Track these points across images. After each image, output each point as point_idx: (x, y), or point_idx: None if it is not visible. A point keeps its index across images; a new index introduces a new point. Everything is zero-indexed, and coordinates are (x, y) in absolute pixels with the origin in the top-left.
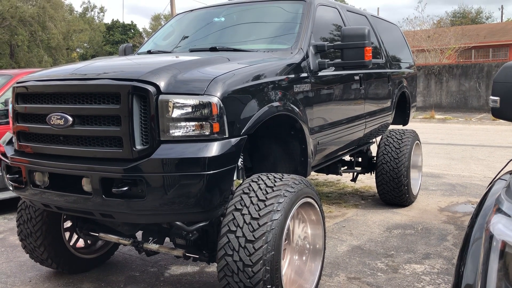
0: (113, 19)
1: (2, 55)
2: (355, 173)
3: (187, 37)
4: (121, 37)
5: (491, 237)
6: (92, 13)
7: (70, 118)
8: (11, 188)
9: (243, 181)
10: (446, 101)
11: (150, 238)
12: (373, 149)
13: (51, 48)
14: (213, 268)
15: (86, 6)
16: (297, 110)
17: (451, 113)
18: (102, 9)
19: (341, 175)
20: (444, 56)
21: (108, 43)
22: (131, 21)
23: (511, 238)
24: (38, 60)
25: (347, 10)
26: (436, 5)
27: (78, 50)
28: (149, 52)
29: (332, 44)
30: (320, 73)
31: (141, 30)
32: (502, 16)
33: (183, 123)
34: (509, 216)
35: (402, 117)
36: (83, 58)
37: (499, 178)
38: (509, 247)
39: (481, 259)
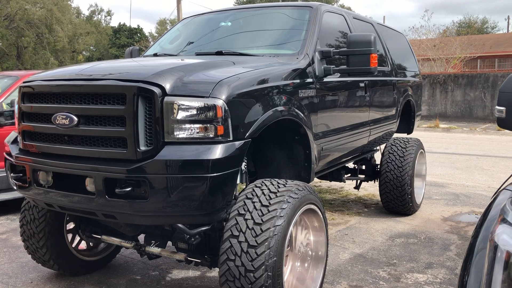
0: (120, 23)
1: (9, 56)
2: (359, 181)
3: (193, 41)
4: (127, 41)
5: (495, 247)
6: (99, 16)
7: (75, 118)
8: (15, 187)
9: (246, 185)
10: (451, 110)
11: (152, 241)
12: (377, 157)
13: (57, 50)
14: (214, 273)
15: (93, 9)
16: (302, 115)
17: (456, 122)
18: (109, 13)
19: (345, 182)
20: (450, 66)
21: (114, 46)
22: (138, 25)
23: None
24: (44, 62)
25: (354, 17)
26: (441, 15)
27: (84, 53)
28: (155, 55)
29: (338, 50)
30: (325, 79)
31: (147, 34)
32: (508, 27)
33: (187, 125)
34: None
35: (406, 126)
36: (89, 61)
37: (504, 189)
38: None
39: (485, 270)
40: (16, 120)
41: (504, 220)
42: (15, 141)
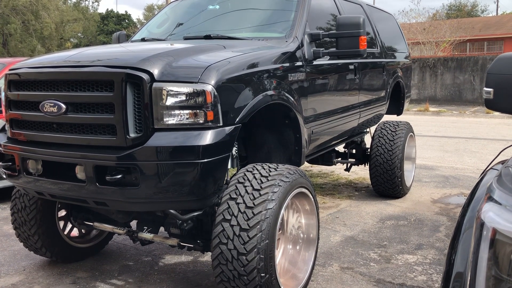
0: (108, 9)
1: None
2: (349, 164)
3: (181, 24)
4: (115, 27)
5: (482, 224)
6: (86, 2)
7: (63, 106)
8: (4, 176)
9: (237, 170)
10: (441, 94)
11: (144, 227)
12: (367, 140)
13: (44, 38)
14: (207, 257)
15: None
16: (292, 99)
17: (446, 106)
18: None
19: (335, 164)
20: (439, 49)
21: (102, 33)
22: (125, 11)
23: (501, 225)
24: (31, 49)
25: None
26: None
27: (72, 40)
28: (143, 39)
29: (327, 32)
30: (315, 62)
31: (135, 20)
32: (497, 9)
33: (177, 111)
34: (500, 204)
35: (396, 107)
36: (77, 48)
37: (491, 168)
38: (500, 235)
39: (471, 248)
40: (3, 108)
41: (490, 198)
42: (3, 130)
